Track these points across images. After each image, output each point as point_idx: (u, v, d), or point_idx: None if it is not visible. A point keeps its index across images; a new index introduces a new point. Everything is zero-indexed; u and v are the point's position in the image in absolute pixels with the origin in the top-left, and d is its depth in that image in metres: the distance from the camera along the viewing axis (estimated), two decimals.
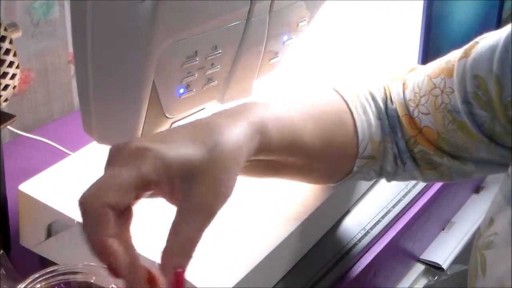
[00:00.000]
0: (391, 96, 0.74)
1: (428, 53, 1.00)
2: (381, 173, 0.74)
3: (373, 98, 0.73)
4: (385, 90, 0.75)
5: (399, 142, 0.73)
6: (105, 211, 0.51)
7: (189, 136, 0.55)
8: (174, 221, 0.53)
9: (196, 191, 0.53)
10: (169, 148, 0.54)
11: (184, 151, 0.54)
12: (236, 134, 0.57)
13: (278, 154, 0.64)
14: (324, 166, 0.71)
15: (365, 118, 0.72)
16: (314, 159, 0.69)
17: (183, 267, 0.52)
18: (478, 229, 0.67)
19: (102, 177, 0.53)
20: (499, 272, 0.60)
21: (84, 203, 0.52)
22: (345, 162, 0.72)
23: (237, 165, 0.55)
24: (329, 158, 0.70)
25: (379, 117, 0.73)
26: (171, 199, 0.55)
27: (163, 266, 0.52)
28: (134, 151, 0.53)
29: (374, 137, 0.72)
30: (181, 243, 0.52)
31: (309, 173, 0.71)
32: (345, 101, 0.72)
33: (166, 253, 0.52)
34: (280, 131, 0.63)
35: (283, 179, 0.72)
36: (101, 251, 0.52)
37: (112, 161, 0.54)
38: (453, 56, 0.70)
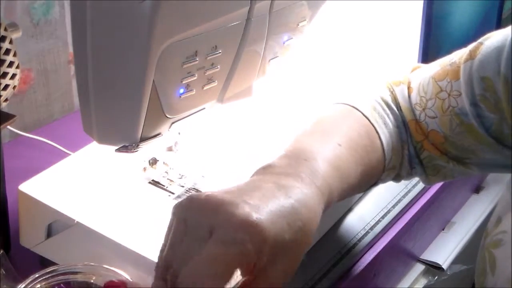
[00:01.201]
0: (398, 100, 0.73)
1: (428, 53, 1.00)
2: (395, 178, 0.75)
3: (388, 106, 0.73)
4: (392, 94, 0.74)
5: (410, 147, 0.73)
6: None
7: (278, 211, 0.53)
8: None
9: (279, 268, 0.52)
10: (267, 222, 0.51)
11: (278, 227, 0.52)
12: (313, 208, 0.56)
13: (335, 199, 0.64)
14: (360, 188, 0.71)
15: (387, 131, 0.71)
16: (354, 187, 0.68)
17: None
18: (485, 228, 0.67)
19: (204, 260, 0.49)
20: (509, 270, 0.60)
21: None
22: (373, 178, 0.72)
23: (311, 241, 0.56)
24: (365, 181, 0.70)
25: (397, 125, 0.72)
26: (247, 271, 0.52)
27: None
28: (239, 224, 0.49)
29: (395, 146, 0.72)
30: None
31: (347, 196, 0.70)
32: (366, 117, 0.71)
33: None
34: (339, 186, 0.62)
35: None
36: None
37: (212, 224, 0.50)
38: (457, 57, 0.69)
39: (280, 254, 0.52)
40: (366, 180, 0.70)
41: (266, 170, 0.59)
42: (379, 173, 0.71)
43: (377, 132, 0.70)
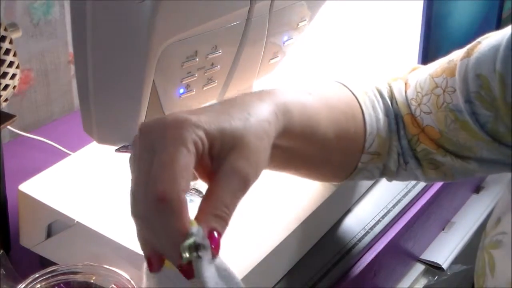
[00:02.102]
0: (394, 95, 0.74)
1: (428, 53, 1.00)
2: (384, 172, 0.74)
3: (381, 95, 0.73)
4: (390, 88, 0.75)
5: (402, 140, 0.73)
6: (184, 199, 0.49)
7: (222, 109, 0.54)
8: (208, 188, 0.52)
9: (232, 157, 0.52)
10: (206, 118, 0.52)
11: (221, 120, 0.52)
12: (264, 110, 0.56)
13: (297, 140, 0.63)
14: (336, 158, 0.70)
15: (374, 113, 0.72)
16: (328, 150, 0.68)
17: (219, 231, 0.50)
18: (484, 229, 0.67)
19: (165, 165, 0.49)
20: (509, 271, 0.60)
21: (164, 196, 0.48)
22: (353, 156, 0.71)
23: (268, 138, 0.55)
24: (341, 150, 0.70)
25: (386, 114, 0.73)
26: (204, 173, 0.53)
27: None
28: (174, 125, 0.50)
29: (381, 133, 0.72)
30: (215, 206, 0.50)
31: (322, 165, 0.71)
32: (354, 95, 0.71)
33: (200, 213, 0.51)
34: (302, 116, 0.62)
35: (295, 172, 0.71)
36: (180, 235, 0.49)
37: (153, 141, 0.51)
38: (456, 56, 0.70)
39: (233, 143, 0.52)
40: (344, 146, 0.69)
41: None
42: (358, 148, 0.71)
43: (362, 111, 0.70)
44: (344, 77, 0.75)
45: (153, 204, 0.49)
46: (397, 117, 0.73)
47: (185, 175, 0.49)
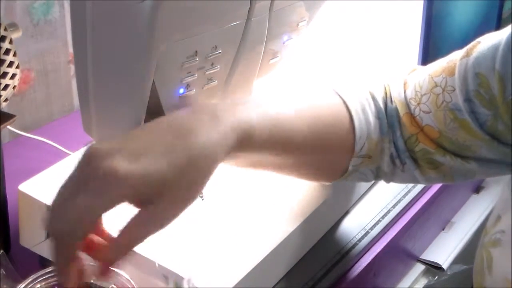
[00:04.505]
0: (391, 96, 0.74)
1: (428, 53, 1.00)
2: (378, 174, 0.74)
3: (373, 98, 0.73)
4: (385, 89, 0.75)
5: (397, 141, 0.73)
6: (76, 246, 0.54)
7: (161, 146, 0.56)
8: (130, 221, 0.55)
9: (158, 208, 0.55)
10: (138, 166, 0.54)
11: (153, 168, 0.54)
12: (210, 131, 0.58)
13: (264, 150, 0.65)
14: (315, 165, 0.72)
15: (364, 117, 0.72)
16: (303, 159, 0.70)
17: (114, 261, 0.55)
18: (484, 226, 0.67)
19: (73, 208, 0.53)
20: (506, 270, 0.60)
21: (59, 239, 0.54)
22: (339, 162, 0.72)
23: (206, 176, 0.57)
24: (321, 158, 0.71)
25: (378, 116, 0.73)
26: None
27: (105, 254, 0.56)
28: (102, 177, 0.53)
29: (372, 135, 0.72)
30: (125, 245, 0.55)
31: (297, 170, 0.72)
32: (344, 101, 0.72)
33: (111, 247, 0.56)
34: (266, 129, 0.63)
35: (277, 172, 0.72)
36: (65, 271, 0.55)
37: (87, 179, 0.54)
38: (455, 56, 0.70)
39: (162, 193, 0.54)
40: (325, 154, 0.70)
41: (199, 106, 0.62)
42: (346, 154, 0.71)
43: (350, 114, 0.71)
44: (339, 81, 0.75)
45: (53, 233, 0.54)
46: (393, 118, 0.73)
47: (89, 228, 0.54)
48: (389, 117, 0.73)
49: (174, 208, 0.56)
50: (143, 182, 0.53)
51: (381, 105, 0.73)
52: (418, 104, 0.71)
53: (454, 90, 0.68)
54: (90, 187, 0.53)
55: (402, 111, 0.72)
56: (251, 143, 0.62)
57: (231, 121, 0.60)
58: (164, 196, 0.54)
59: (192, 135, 0.57)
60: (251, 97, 0.66)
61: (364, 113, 0.72)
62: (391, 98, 0.74)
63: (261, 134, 0.63)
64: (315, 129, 0.69)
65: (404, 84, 0.74)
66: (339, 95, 0.72)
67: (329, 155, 0.71)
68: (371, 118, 0.72)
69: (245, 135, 0.61)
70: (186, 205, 0.56)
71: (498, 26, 1.11)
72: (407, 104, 0.72)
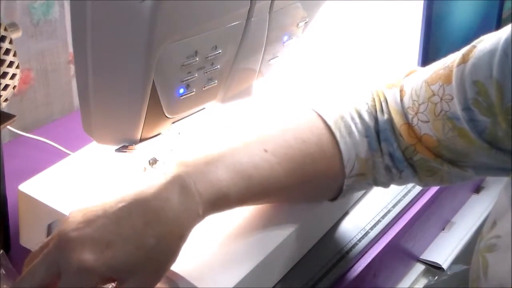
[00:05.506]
0: (382, 107, 0.73)
1: (428, 53, 1.00)
2: (376, 183, 0.75)
3: (360, 116, 0.73)
4: (374, 99, 0.74)
5: (395, 153, 0.72)
6: None
7: (130, 230, 0.58)
8: None
9: (131, 284, 0.58)
10: (107, 256, 0.57)
11: (120, 256, 0.57)
12: (178, 217, 0.60)
13: (243, 203, 0.67)
14: (306, 195, 0.74)
15: (350, 140, 0.72)
16: (291, 194, 0.72)
17: None
18: (480, 231, 0.66)
19: None
20: (500, 275, 0.60)
21: None
22: (332, 186, 0.73)
23: (173, 255, 0.60)
24: (310, 188, 0.72)
25: (365, 135, 0.73)
26: None
27: None
28: (73, 271, 0.56)
29: (361, 155, 0.72)
30: None
31: (287, 201, 0.74)
32: (327, 125, 0.72)
33: None
34: (242, 185, 0.65)
35: None
36: None
37: (59, 262, 0.57)
38: (450, 60, 0.69)
39: (134, 274, 0.58)
40: (312, 185, 0.71)
41: (171, 167, 0.63)
42: (337, 178, 0.72)
43: (336, 140, 0.71)
44: (322, 100, 0.75)
45: None
46: (386, 131, 0.73)
47: None
48: (381, 132, 0.73)
49: (147, 283, 0.59)
50: (112, 271, 0.57)
51: (368, 121, 0.73)
52: (416, 113, 0.71)
53: (452, 98, 0.67)
54: (64, 281, 0.57)
55: (399, 122, 0.72)
56: (229, 201, 0.65)
57: (203, 189, 0.62)
58: (135, 276, 0.57)
59: (161, 217, 0.59)
60: (223, 145, 0.67)
61: (350, 136, 0.72)
62: (382, 109, 0.73)
63: (238, 191, 0.65)
64: (297, 166, 0.69)
65: (401, 91, 0.73)
66: (321, 118, 0.72)
67: (319, 183, 0.72)
68: (358, 138, 0.72)
69: (220, 197, 0.63)
70: (156, 282, 0.59)
71: (498, 26, 1.11)
72: (404, 114, 0.72)
